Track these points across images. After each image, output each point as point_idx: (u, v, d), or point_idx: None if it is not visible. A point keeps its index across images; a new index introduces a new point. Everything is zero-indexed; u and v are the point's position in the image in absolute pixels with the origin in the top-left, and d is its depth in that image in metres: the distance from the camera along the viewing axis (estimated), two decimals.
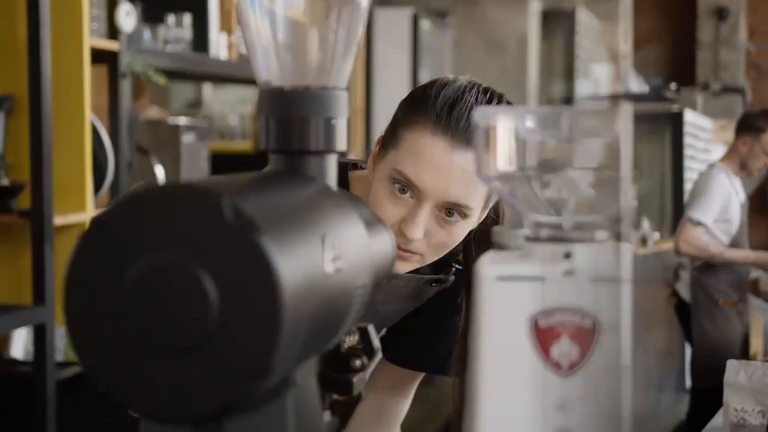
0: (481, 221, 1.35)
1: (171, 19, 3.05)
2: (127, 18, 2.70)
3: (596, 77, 5.53)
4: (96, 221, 0.63)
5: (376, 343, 0.88)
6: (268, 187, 0.72)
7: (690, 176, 7.28)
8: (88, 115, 2.55)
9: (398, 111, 1.31)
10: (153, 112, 4.55)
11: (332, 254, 0.71)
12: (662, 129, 7.05)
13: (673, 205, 7.32)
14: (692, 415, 4.44)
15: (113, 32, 2.71)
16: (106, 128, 2.71)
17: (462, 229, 1.28)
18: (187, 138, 3.12)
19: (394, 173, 1.25)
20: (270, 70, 0.83)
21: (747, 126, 4.32)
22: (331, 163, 0.82)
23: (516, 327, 0.69)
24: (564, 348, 0.69)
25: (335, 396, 0.88)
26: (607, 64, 5.54)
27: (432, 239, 1.27)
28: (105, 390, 0.65)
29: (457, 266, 1.45)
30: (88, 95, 2.55)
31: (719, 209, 4.22)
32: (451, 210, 1.26)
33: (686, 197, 7.23)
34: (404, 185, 1.25)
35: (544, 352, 0.69)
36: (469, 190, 1.24)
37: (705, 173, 4.46)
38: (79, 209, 2.56)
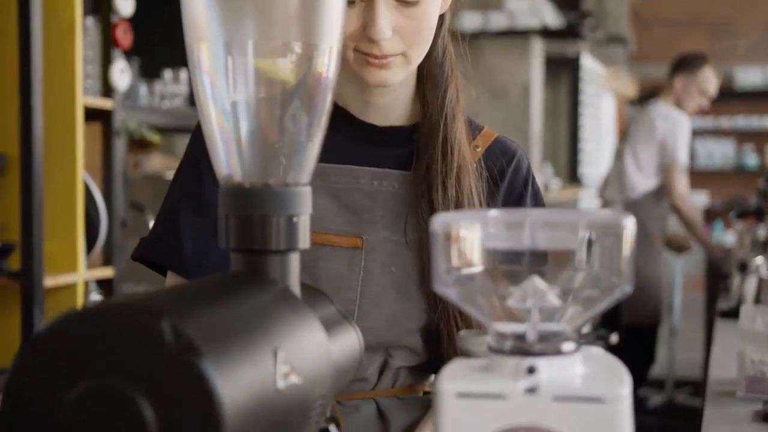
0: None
1: (167, 74, 3.05)
2: (122, 76, 2.69)
3: (512, 10, 5.45)
4: (32, 342, 0.61)
5: None
6: (218, 299, 0.69)
7: (582, 123, 7.30)
8: (81, 174, 2.54)
9: None
10: (156, 161, 4.55)
11: (286, 368, 0.68)
12: (559, 72, 7.05)
13: (569, 150, 7.31)
14: (621, 351, 4.45)
15: (108, 89, 2.70)
16: (99, 186, 2.69)
17: (429, 8, 1.19)
18: None
19: None
20: (230, 165, 0.80)
21: (684, 64, 4.47)
22: (294, 263, 0.80)
23: None
24: None
25: None
26: None
27: (403, 33, 1.17)
28: None
29: None
30: (81, 154, 2.54)
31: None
32: (408, 0, 1.16)
33: (581, 143, 7.28)
34: None
35: None
36: None
37: (659, 110, 4.51)
38: (70, 270, 2.53)
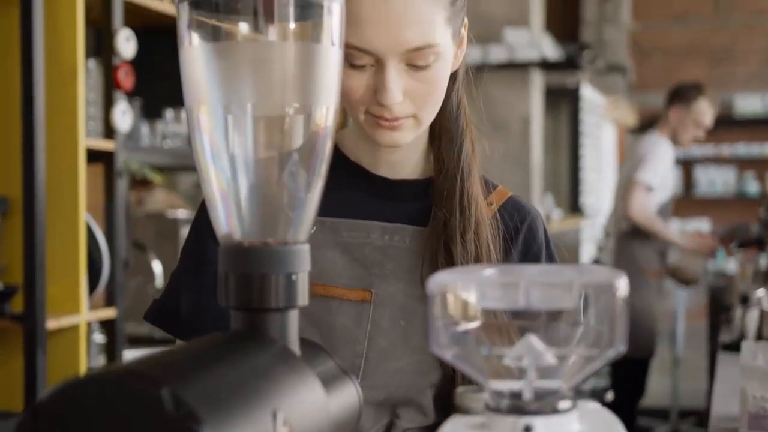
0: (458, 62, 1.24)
1: (169, 114, 3.08)
2: (124, 117, 2.71)
3: (511, 43, 5.47)
4: (33, 410, 0.61)
5: None
6: (218, 361, 0.69)
7: (583, 152, 7.31)
8: (83, 217, 2.55)
9: None
10: (159, 197, 4.56)
11: (285, 430, 0.69)
12: (559, 103, 7.06)
13: (570, 180, 7.31)
14: (612, 387, 4.43)
15: (110, 131, 2.72)
16: (101, 226, 2.71)
17: (440, 70, 1.17)
18: (187, 231, 3.11)
19: None
20: (230, 224, 0.81)
21: (678, 96, 4.42)
22: (293, 320, 0.80)
23: None
24: None
25: None
26: (523, 30, 5.49)
27: (414, 96, 1.16)
28: None
29: None
30: (83, 196, 2.55)
31: (662, 176, 4.29)
32: (418, 65, 1.14)
33: (581, 173, 7.27)
34: (355, 58, 1.13)
35: None
36: (424, 28, 1.13)
37: (647, 138, 4.52)
38: (73, 311, 2.54)
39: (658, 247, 4.38)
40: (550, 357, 0.70)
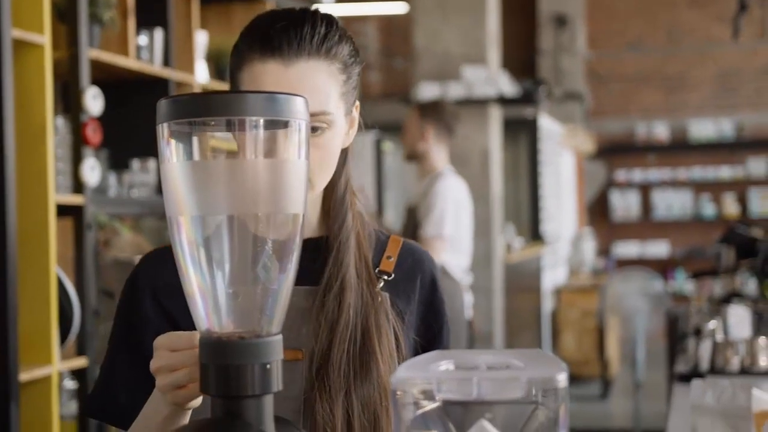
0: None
1: (135, 164, 3.14)
2: (92, 172, 2.77)
3: (469, 80, 5.52)
4: None
5: None
6: None
7: (542, 181, 7.49)
8: (54, 270, 2.60)
9: (230, 64, 1.26)
10: (127, 238, 4.59)
11: None
12: (517, 133, 7.21)
13: (530, 209, 7.48)
14: None
15: (78, 185, 2.78)
16: (71, 277, 2.76)
17: (332, 139, 1.23)
18: None
19: None
20: (209, 320, 0.89)
21: None
22: (268, 404, 0.89)
23: None
24: None
25: None
26: (480, 68, 5.54)
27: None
28: None
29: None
30: (54, 250, 2.61)
31: None
32: (312, 128, 1.17)
33: (541, 200, 7.39)
34: None
35: None
36: (319, 96, 1.20)
37: None
38: (45, 363, 2.59)
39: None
40: None
